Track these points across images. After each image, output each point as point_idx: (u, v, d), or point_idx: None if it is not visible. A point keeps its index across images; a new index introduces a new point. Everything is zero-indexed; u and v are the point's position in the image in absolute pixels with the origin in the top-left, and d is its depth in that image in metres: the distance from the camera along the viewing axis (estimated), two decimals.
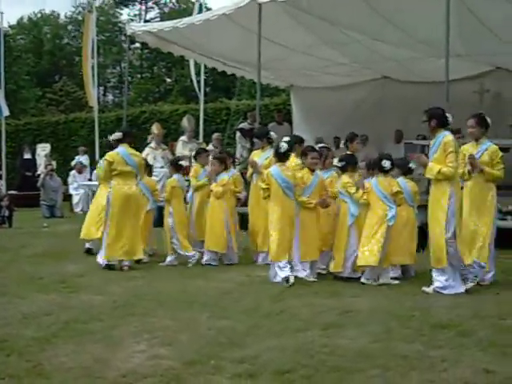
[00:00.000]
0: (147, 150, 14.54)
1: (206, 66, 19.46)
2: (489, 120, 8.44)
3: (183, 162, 10.70)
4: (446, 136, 7.76)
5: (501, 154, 8.32)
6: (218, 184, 10.26)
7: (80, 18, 52.45)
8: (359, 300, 7.35)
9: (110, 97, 58.43)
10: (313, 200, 8.83)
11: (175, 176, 10.38)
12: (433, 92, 13.02)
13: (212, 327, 6.15)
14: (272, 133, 10.53)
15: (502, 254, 10.13)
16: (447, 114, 7.97)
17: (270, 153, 9.95)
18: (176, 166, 10.51)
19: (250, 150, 11.63)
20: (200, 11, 19.66)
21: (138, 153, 10.41)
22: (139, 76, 53.69)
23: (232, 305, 7.16)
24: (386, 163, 8.60)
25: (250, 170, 10.59)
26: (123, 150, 9.89)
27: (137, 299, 7.51)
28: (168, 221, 10.14)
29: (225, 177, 10.36)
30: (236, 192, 10.41)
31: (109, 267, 9.58)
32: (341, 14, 12.24)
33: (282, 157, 8.89)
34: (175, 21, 14.20)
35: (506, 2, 10.94)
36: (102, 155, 18.82)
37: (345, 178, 8.86)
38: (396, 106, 15.94)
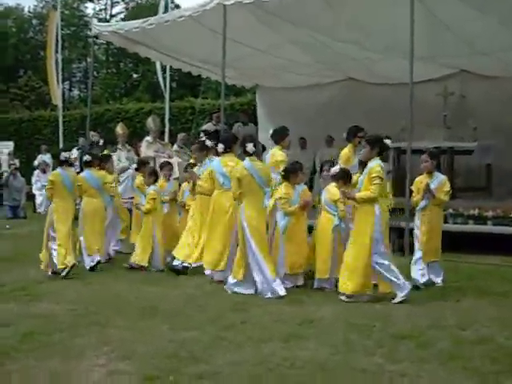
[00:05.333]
0: None
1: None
2: None
3: (66, 155, 10.34)
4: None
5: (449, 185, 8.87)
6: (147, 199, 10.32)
7: (44, 11, 51.83)
8: (321, 309, 7.34)
9: (75, 92, 57.91)
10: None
11: (58, 170, 10.18)
12: (397, 94, 13.11)
13: (173, 339, 6.10)
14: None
15: (464, 258, 10.30)
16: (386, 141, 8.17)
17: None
18: (59, 160, 10.25)
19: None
20: (166, 7, 19.58)
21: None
22: (105, 71, 53.25)
23: (194, 314, 7.12)
24: None
25: None
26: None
27: (97, 307, 7.46)
28: None
29: (151, 190, 10.38)
30: None
31: None
32: (306, 17, 12.24)
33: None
34: (141, 20, 14.05)
35: (470, 7, 11.03)
36: None
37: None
38: (361, 107, 15.95)
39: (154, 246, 10.16)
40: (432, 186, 8.61)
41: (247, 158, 8.59)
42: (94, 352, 5.74)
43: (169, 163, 11.33)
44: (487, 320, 6.74)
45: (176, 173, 12.80)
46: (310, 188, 10.69)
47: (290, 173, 8.85)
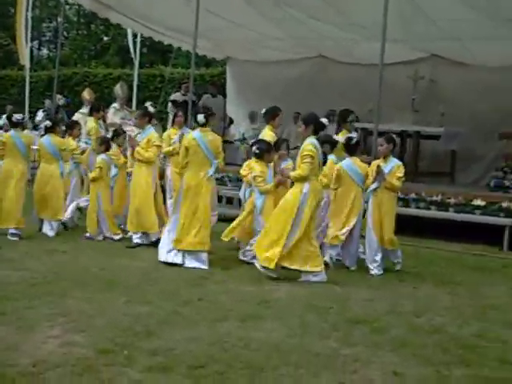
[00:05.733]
0: (77, 115, 14.23)
1: None
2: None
3: (18, 117, 10.19)
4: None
5: (403, 169, 8.62)
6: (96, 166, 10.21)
7: None
8: (280, 287, 7.37)
9: (44, 51, 56.89)
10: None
11: (11, 132, 10.08)
12: (369, 75, 13.10)
13: (129, 313, 6.08)
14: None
15: (425, 243, 10.40)
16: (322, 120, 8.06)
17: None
18: (11, 121, 10.17)
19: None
20: None
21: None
22: (75, 32, 52.33)
23: (152, 288, 7.11)
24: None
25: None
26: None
27: (56, 277, 7.41)
28: None
29: (100, 159, 10.26)
30: None
31: None
32: None
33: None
34: None
35: None
36: (31, 116, 18.40)
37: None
38: (331, 85, 15.93)
39: (99, 216, 10.05)
40: (385, 170, 8.49)
41: (198, 129, 8.66)
42: (49, 323, 5.69)
43: (124, 132, 11.09)
44: (442, 309, 6.81)
45: None
46: None
47: (265, 152, 8.81)
